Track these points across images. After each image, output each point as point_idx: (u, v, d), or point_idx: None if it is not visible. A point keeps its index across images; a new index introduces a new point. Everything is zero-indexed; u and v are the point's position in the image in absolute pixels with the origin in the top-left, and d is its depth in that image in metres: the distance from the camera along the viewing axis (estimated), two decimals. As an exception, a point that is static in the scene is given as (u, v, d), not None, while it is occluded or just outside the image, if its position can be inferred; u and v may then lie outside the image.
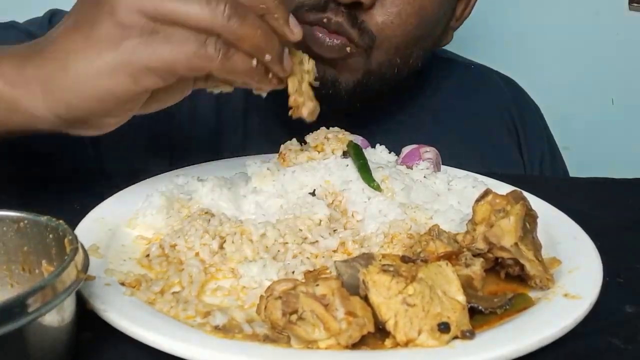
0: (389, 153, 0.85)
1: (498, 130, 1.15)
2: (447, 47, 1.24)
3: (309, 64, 0.68)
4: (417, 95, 1.12)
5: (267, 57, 0.60)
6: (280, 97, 1.05)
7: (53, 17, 1.02)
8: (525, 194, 0.64)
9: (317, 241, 0.66)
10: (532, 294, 0.58)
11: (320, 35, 0.89)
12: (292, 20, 0.62)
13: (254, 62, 0.60)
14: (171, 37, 0.56)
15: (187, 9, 0.56)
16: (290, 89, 0.67)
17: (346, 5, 0.86)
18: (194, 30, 0.57)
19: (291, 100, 0.68)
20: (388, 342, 0.50)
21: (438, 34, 1.02)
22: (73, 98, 0.60)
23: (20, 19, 1.02)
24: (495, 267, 0.61)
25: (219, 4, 0.56)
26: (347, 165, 0.76)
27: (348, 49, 0.89)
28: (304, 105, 0.68)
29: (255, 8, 0.59)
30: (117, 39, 0.57)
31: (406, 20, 0.91)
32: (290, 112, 0.68)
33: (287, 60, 0.63)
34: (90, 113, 0.61)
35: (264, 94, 0.67)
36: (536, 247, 0.60)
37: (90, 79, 0.58)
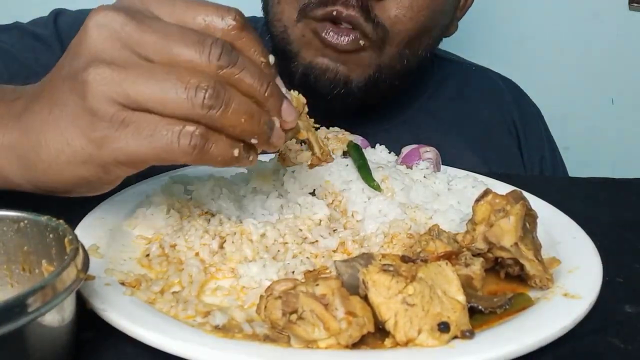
0: (389, 153, 0.85)
1: (498, 132, 1.15)
2: (448, 48, 1.24)
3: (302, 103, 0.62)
4: (418, 96, 1.12)
5: (254, 140, 0.53)
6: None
7: (58, 17, 1.02)
8: (525, 193, 0.64)
9: (317, 241, 0.66)
10: (532, 294, 0.58)
11: (332, 29, 0.88)
12: (286, 106, 0.55)
13: (236, 151, 0.52)
14: (142, 129, 0.50)
15: (162, 96, 0.49)
16: (317, 150, 0.65)
17: None
18: (169, 118, 0.50)
19: (313, 159, 0.66)
20: (388, 341, 0.50)
21: (446, 24, 1.02)
22: (47, 179, 0.56)
23: (24, 18, 1.02)
24: (495, 266, 0.61)
25: (199, 91, 0.49)
26: (347, 165, 0.76)
27: (362, 42, 0.89)
28: (326, 162, 0.67)
29: (242, 91, 0.52)
30: (87, 129, 0.51)
31: (418, 13, 0.91)
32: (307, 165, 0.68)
33: (278, 135, 0.55)
34: (66, 191, 0.58)
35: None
36: (536, 247, 0.60)
37: (61, 166, 0.54)
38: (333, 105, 0.94)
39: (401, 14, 0.90)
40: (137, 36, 0.50)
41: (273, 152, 0.60)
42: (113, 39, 0.50)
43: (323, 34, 0.89)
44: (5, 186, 0.60)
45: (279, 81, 0.56)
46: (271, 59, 0.55)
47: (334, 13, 0.87)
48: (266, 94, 0.53)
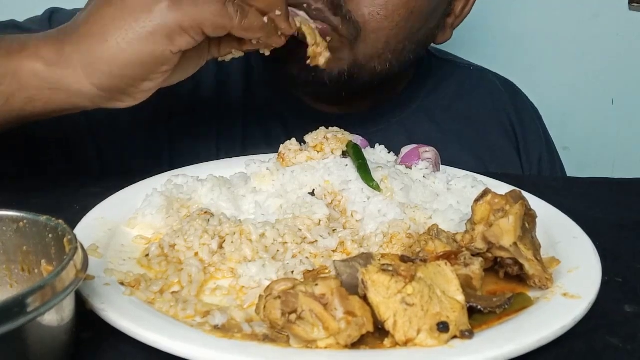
0: (388, 153, 0.85)
1: (496, 132, 1.15)
2: (447, 48, 1.24)
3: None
4: (416, 96, 1.12)
5: (277, 12, 0.71)
6: (279, 96, 1.06)
7: (53, 16, 1.02)
8: (525, 193, 0.64)
9: (316, 241, 0.66)
10: (531, 294, 0.58)
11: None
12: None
13: (265, 19, 0.71)
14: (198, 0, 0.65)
15: None
16: (310, 41, 0.78)
17: None
18: None
19: (310, 51, 0.79)
20: (387, 341, 0.50)
21: (431, 27, 0.99)
22: (115, 67, 0.66)
23: (20, 18, 1.02)
24: (495, 266, 0.61)
25: None
26: (347, 165, 0.76)
27: (328, 38, 0.86)
28: (322, 55, 0.80)
29: None
30: (150, 5, 0.65)
31: (393, 12, 0.89)
32: (308, 61, 0.80)
33: (292, 19, 0.75)
34: (131, 79, 0.68)
35: (268, 52, 0.78)
36: (535, 247, 0.60)
37: (131, 45, 0.65)
38: (306, 90, 0.96)
39: (375, 11, 0.88)
40: None
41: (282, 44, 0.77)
42: None
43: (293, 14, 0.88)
44: (67, 101, 0.70)
45: None
46: None
47: (304, 5, 0.86)
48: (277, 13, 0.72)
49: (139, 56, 0.66)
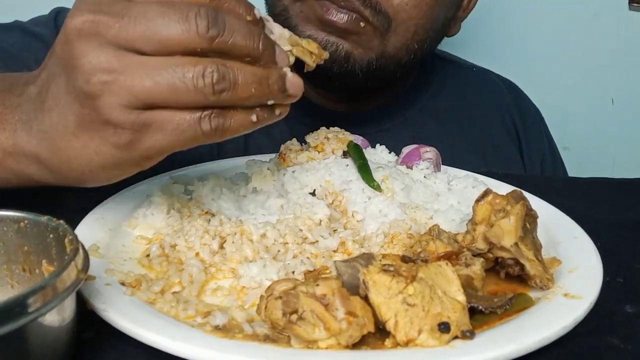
0: (389, 153, 0.85)
1: (498, 133, 1.15)
2: (449, 49, 1.24)
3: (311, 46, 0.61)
4: (419, 96, 1.12)
5: (269, 102, 0.55)
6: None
7: (58, 16, 1.02)
8: (526, 194, 0.64)
9: (317, 241, 0.66)
10: (532, 294, 0.58)
11: (330, 7, 0.87)
12: (278, 53, 0.55)
13: (254, 117, 0.54)
14: (165, 125, 0.51)
15: (170, 91, 0.50)
16: (308, 61, 0.61)
17: None
18: (184, 109, 0.51)
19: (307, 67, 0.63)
20: (388, 342, 0.50)
21: (449, 18, 1.01)
22: (81, 182, 0.57)
23: (24, 18, 1.02)
24: (496, 267, 0.61)
25: (205, 79, 0.49)
26: (347, 165, 0.76)
27: (362, 24, 0.88)
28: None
29: (238, 54, 0.52)
30: (112, 138, 0.52)
31: (421, 1, 0.90)
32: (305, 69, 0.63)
33: (294, 85, 0.56)
34: (99, 184, 0.58)
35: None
36: (536, 247, 0.60)
37: (94, 171, 0.55)
38: (333, 84, 0.94)
39: (404, 2, 0.89)
40: (124, 34, 0.49)
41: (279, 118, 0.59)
42: (102, 45, 0.50)
43: (322, 11, 0.88)
44: (28, 184, 0.62)
45: (270, 25, 0.57)
46: (256, 12, 0.55)
47: None
48: (260, 49, 0.53)
49: (108, 177, 0.57)
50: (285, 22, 0.93)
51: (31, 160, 0.57)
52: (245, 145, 1.01)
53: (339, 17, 0.88)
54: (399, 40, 0.92)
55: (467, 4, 1.05)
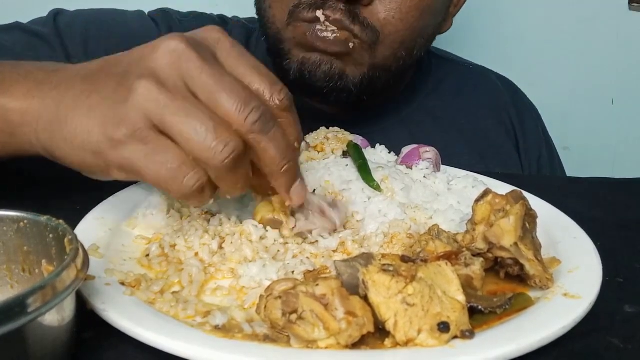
0: (389, 153, 0.85)
1: (495, 130, 1.15)
2: (447, 48, 1.24)
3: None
4: (415, 95, 1.12)
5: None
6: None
7: (57, 17, 1.03)
8: (525, 193, 0.64)
9: (317, 241, 0.66)
10: (532, 294, 0.58)
11: (321, 28, 0.89)
12: (297, 185, 0.60)
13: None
14: (157, 153, 0.53)
15: (191, 136, 0.52)
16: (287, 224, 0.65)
17: (346, 0, 0.87)
18: (185, 154, 0.53)
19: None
20: (388, 341, 0.50)
21: (439, 21, 1.02)
22: (59, 152, 0.59)
23: (24, 19, 1.02)
24: (495, 266, 0.61)
25: (225, 148, 0.52)
26: (347, 165, 0.76)
27: (351, 44, 0.90)
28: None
29: (262, 158, 0.56)
30: (111, 128, 0.54)
31: (407, 14, 0.92)
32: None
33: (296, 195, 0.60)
34: (70, 165, 0.59)
35: None
36: (536, 247, 0.60)
37: (75, 148, 0.56)
38: (329, 99, 0.95)
39: (390, 15, 0.91)
40: (196, 74, 0.54)
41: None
42: (175, 66, 0.54)
43: (311, 35, 0.90)
44: (21, 152, 0.64)
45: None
46: (303, 145, 0.59)
47: (322, 17, 0.88)
48: (282, 170, 0.57)
49: (77, 160, 0.58)
50: (278, 46, 0.96)
51: (35, 115, 0.59)
52: None
53: (330, 42, 0.90)
54: (387, 51, 0.94)
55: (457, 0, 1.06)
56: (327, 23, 0.89)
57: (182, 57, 0.54)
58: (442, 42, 1.16)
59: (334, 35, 0.89)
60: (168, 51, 0.54)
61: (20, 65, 0.65)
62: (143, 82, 0.53)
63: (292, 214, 0.65)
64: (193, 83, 0.54)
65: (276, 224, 0.65)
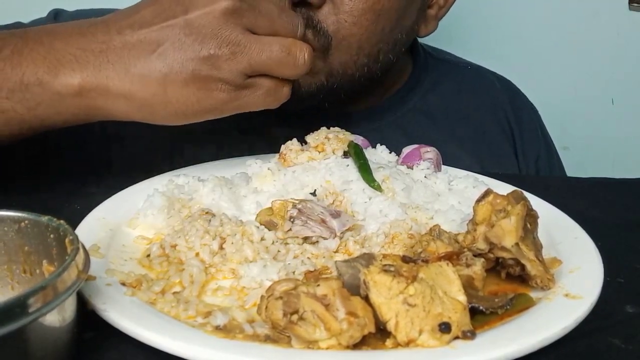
0: (390, 153, 0.85)
1: (493, 130, 1.14)
2: (445, 48, 1.24)
3: None
4: (410, 95, 1.12)
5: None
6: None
7: (57, 17, 1.02)
8: (526, 194, 0.64)
9: (317, 241, 0.66)
10: (533, 294, 0.58)
11: None
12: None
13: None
14: (260, 88, 0.71)
15: (279, 67, 0.70)
16: None
17: (295, 4, 0.82)
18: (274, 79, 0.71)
19: None
20: (389, 342, 0.50)
21: (408, 25, 0.97)
22: (163, 121, 0.72)
23: (24, 19, 1.02)
24: (496, 267, 0.61)
25: (300, 54, 0.71)
26: (348, 165, 0.76)
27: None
28: None
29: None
30: (217, 94, 0.68)
31: (360, 17, 0.87)
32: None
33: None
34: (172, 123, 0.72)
35: None
36: (537, 247, 0.60)
37: (187, 115, 0.70)
38: (285, 109, 0.92)
39: (342, 19, 0.86)
40: (252, 20, 0.69)
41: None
42: (236, 25, 0.68)
43: None
44: (92, 119, 0.73)
45: None
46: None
47: None
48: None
49: (190, 121, 0.71)
50: None
51: (118, 97, 0.68)
52: (241, 143, 1.01)
53: None
54: (343, 57, 0.89)
55: (443, 2, 1.02)
56: None
57: (237, 12, 0.68)
58: (445, 43, 1.16)
59: None
60: (223, 15, 0.68)
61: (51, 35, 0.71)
62: (224, 48, 0.67)
63: (291, 219, 0.66)
64: (252, 27, 0.69)
65: (272, 226, 0.67)
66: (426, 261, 0.57)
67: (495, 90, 1.20)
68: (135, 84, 0.68)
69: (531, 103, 1.24)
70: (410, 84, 1.12)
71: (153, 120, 0.71)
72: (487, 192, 0.62)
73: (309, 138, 0.80)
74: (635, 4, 1.57)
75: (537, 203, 0.69)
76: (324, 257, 0.64)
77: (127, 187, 0.76)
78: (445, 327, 0.49)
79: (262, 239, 0.65)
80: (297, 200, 0.69)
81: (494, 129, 1.15)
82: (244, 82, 0.69)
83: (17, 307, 0.41)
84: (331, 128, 0.82)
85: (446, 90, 1.15)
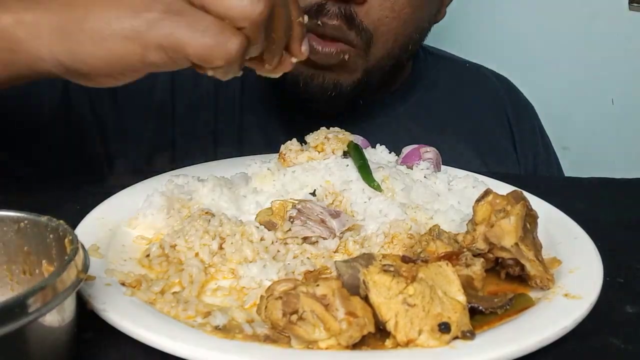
0: (389, 153, 0.85)
1: (492, 127, 1.15)
2: (445, 47, 1.24)
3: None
4: (411, 91, 1.12)
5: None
6: (276, 95, 1.05)
7: None
8: (526, 194, 0.64)
9: (317, 241, 0.66)
10: (533, 294, 0.58)
11: (315, 44, 0.88)
12: (305, 41, 0.63)
13: (275, 60, 0.61)
14: (197, 23, 0.54)
15: (229, 3, 0.55)
16: None
17: (340, 1, 0.85)
18: (222, 20, 0.55)
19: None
20: (388, 342, 0.50)
21: (434, 12, 1.01)
22: (81, 52, 0.58)
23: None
24: (496, 267, 0.61)
25: (259, 3, 0.55)
26: (348, 165, 0.76)
27: (346, 56, 0.89)
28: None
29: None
30: (142, 8, 0.55)
31: (400, 12, 0.90)
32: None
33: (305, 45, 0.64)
34: (93, 70, 0.59)
35: (277, 75, 0.66)
36: (536, 247, 0.60)
37: (103, 39, 0.56)
38: (320, 107, 0.94)
39: (384, 15, 0.90)
40: None
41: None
42: None
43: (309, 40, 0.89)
44: (25, 67, 0.61)
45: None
46: (305, 18, 0.63)
47: (319, 25, 0.87)
48: (298, 21, 0.61)
49: (107, 54, 0.57)
50: None
51: (41, 25, 0.58)
52: (239, 143, 1.01)
53: (323, 56, 0.89)
54: (380, 52, 0.93)
55: None
56: (323, 31, 0.87)
57: None
58: (440, 41, 1.16)
59: (326, 49, 0.88)
60: None
61: None
62: None
63: (291, 219, 0.66)
64: None
65: (272, 226, 0.67)
66: (426, 261, 0.57)
67: (494, 87, 1.21)
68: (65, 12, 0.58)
69: (529, 101, 1.24)
70: (410, 81, 1.12)
71: (78, 56, 0.59)
72: (487, 192, 0.62)
73: (308, 138, 0.80)
74: (635, 4, 1.57)
75: (536, 203, 0.69)
76: (323, 257, 0.64)
77: (126, 187, 0.76)
78: (444, 327, 0.49)
79: (262, 239, 0.65)
80: (296, 200, 0.69)
81: (493, 125, 1.15)
82: (177, 5, 0.56)
83: (17, 307, 0.41)
84: (331, 128, 0.82)
85: (446, 86, 1.16)
